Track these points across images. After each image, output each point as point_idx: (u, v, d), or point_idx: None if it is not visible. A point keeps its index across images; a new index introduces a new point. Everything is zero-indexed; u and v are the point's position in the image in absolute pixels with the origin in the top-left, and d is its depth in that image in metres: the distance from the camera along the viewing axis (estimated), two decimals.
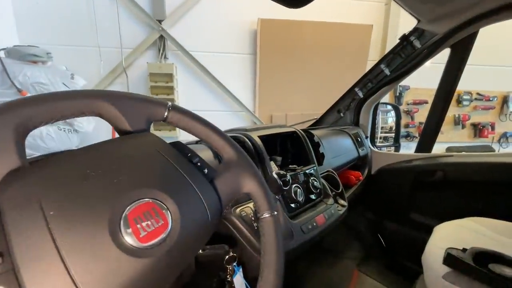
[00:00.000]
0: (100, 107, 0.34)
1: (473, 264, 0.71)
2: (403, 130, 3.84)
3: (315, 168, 0.90)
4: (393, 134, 2.05)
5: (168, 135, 3.19)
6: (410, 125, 3.86)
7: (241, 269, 0.64)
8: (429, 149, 1.46)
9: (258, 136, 0.77)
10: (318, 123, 1.58)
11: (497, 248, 0.78)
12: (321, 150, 1.02)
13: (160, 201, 0.31)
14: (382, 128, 2.63)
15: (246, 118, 3.59)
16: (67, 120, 2.50)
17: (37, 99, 0.29)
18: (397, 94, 3.73)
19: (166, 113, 0.38)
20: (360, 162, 1.40)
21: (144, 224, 0.29)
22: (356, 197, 1.28)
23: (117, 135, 0.37)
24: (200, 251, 0.59)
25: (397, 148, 1.81)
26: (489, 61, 3.70)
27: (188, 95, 3.43)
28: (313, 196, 0.84)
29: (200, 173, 0.37)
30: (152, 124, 0.40)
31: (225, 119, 3.54)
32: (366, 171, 1.42)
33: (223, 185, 0.39)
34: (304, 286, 1.29)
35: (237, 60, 3.48)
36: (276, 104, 3.44)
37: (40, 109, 0.29)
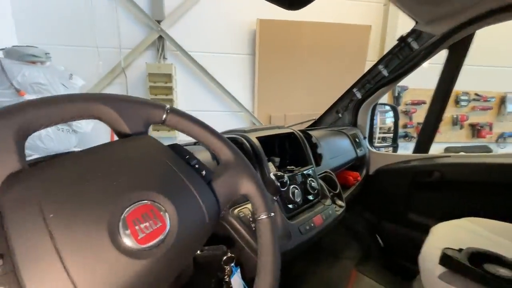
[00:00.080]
0: (100, 110, 0.34)
1: (468, 264, 0.72)
2: (401, 130, 3.86)
3: (313, 169, 0.90)
4: (391, 134, 2.06)
5: (167, 135, 3.19)
6: (409, 126, 3.88)
7: (239, 270, 0.64)
8: (427, 150, 1.46)
9: (256, 137, 0.77)
10: (316, 124, 1.59)
11: (493, 248, 0.79)
12: (319, 151, 1.02)
13: (159, 203, 0.31)
14: (380, 128, 2.65)
15: (245, 118, 3.60)
16: None
17: (37, 103, 0.30)
18: (396, 94, 3.74)
19: (164, 116, 0.39)
20: (358, 163, 1.41)
21: (142, 225, 0.29)
22: (354, 198, 1.29)
23: (115, 137, 0.38)
24: (198, 251, 0.60)
25: (395, 149, 1.82)
26: (487, 62, 3.71)
27: (187, 95, 3.44)
28: (310, 197, 0.85)
29: (198, 175, 0.38)
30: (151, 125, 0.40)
31: (224, 120, 3.55)
32: (364, 172, 1.43)
33: (221, 187, 0.40)
34: (302, 285, 1.30)
35: (236, 60, 3.48)
36: (275, 105, 3.45)
37: (40, 113, 0.30)
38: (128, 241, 0.28)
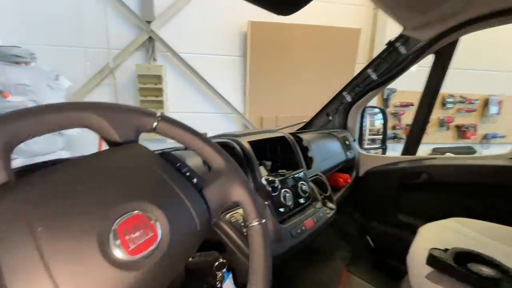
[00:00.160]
0: (89, 119, 0.34)
1: (453, 264, 0.74)
2: (390, 132, 3.94)
3: (304, 172, 0.91)
4: (381, 136, 2.10)
5: (160, 137, 3.15)
6: (397, 127, 3.96)
7: (231, 275, 0.64)
8: (415, 151, 1.50)
9: (248, 142, 0.78)
10: (307, 126, 1.60)
11: (477, 248, 0.82)
12: (310, 154, 1.03)
13: (149, 213, 0.31)
14: (370, 130, 2.70)
15: (236, 120, 3.60)
16: None
17: (23, 113, 0.29)
18: (385, 96, 3.82)
19: (155, 124, 0.39)
20: (348, 165, 1.43)
21: (133, 236, 0.29)
22: (345, 199, 1.30)
23: (104, 144, 0.37)
24: (190, 258, 0.59)
25: (384, 151, 1.85)
26: (471, 65, 3.84)
27: (178, 97, 3.41)
28: (302, 200, 0.85)
29: (189, 183, 0.38)
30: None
31: (215, 121, 3.54)
32: (354, 174, 1.45)
33: (212, 194, 0.40)
34: (294, 287, 1.31)
35: (227, 62, 3.48)
36: (267, 106, 3.46)
37: (27, 124, 0.29)
38: (119, 253, 0.27)
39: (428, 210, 1.30)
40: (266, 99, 3.45)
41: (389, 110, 3.89)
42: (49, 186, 0.28)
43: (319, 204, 0.90)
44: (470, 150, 4.13)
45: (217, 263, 0.62)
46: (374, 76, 1.34)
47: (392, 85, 1.38)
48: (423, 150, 3.94)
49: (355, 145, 1.53)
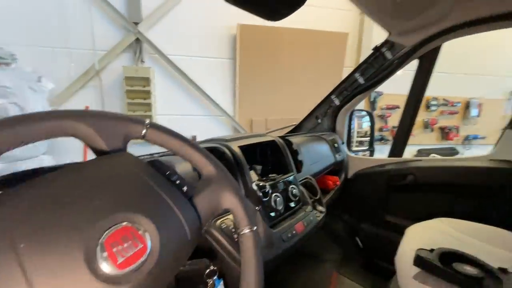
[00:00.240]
0: (74, 127, 0.33)
1: (439, 264, 0.76)
2: (377, 134, 4.03)
3: (294, 176, 0.92)
4: (368, 138, 2.14)
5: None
6: (384, 129, 4.06)
7: (222, 282, 0.63)
8: (401, 152, 1.54)
9: (238, 146, 0.77)
10: (297, 129, 1.62)
11: (461, 247, 0.85)
12: (299, 157, 1.04)
13: (138, 224, 0.30)
14: (358, 132, 2.76)
15: (226, 122, 3.58)
16: None
17: (3, 123, 0.28)
18: (372, 99, 3.91)
19: (144, 131, 0.38)
20: (337, 167, 1.45)
21: (121, 249, 0.28)
22: (334, 202, 1.32)
23: (89, 151, 0.36)
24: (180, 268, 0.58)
25: (372, 153, 1.89)
26: (453, 70, 3.99)
27: (166, 99, 3.37)
28: (292, 204, 0.86)
29: (178, 192, 0.37)
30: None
31: (205, 124, 3.51)
32: (343, 176, 1.47)
33: (203, 202, 0.39)
34: None
35: (216, 64, 3.47)
36: (256, 109, 3.47)
37: (8, 134, 0.28)
38: (106, 267, 0.27)
39: (415, 210, 1.34)
40: (256, 102, 3.46)
41: (376, 112, 3.98)
42: (36, 199, 0.27)
43: (309, 208, 0.91)
44: (453, 151, 4.27)
45: (208, 271, 0.61)
46: (361, 80, 1.37)
47: (379, 88, 1.41)
48: (409, 151, 4.05)
49: (344, 147, 1.55)
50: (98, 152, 0.35)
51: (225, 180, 0.43)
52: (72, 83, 3.05)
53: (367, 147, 1.97)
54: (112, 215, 0.29)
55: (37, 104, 2.41)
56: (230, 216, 0.66)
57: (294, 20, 3.21)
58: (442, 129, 4.26)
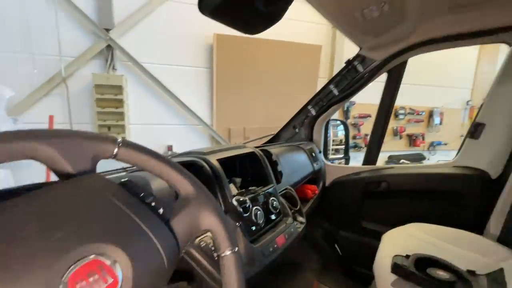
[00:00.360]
0: (34, 149, 0.29)
1: (414, 271, 0.79)
2: (351, 141, 4.18)
3: (274, 187, 0.91)
4: (343, 146, 2.21)
5: None
6: (357, 137, 4.23)
7: None
8: (375, 160, 1.61)
9: (217, 160, 0.75)
10: (275, 139, 1.63)
11: (434, 252, 0.88)
12: (279, 168, 1.04)
13: (107, 256, 0.27)
14: (333, 141, 2.85)
15: (203, 132, 3.52)
16: None
17: None
18: (345, 109, 4.07)
19: (115, 150, 0.35)
20: (316, 176, 1.47)
21: (88, 287, 0.25)
22: (313, 210, 1.33)
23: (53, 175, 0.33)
24: None
25: (347, 160, 1.95)
26: (418, 81, 4.30)
27: (140, 108, 3.24)
28: (273, 216, 0.85)
29: (154, 215, 0.35)
30: None
31: (182, 133, 3.42)
32: (321, 184, 1.50)
33: (181, 225, 0.37)
34: None
35: (192, 73, 3.42)
36: (234, 118, 3.46)
37: None
38: None
39: (390, 216, 1.39)
40: (233, 111, 3.44)
41: (350, 121, 4.14)
42: None
43: (290, 220, 0.90)
44: (420, 157, 4.56)
45: None
46: (335, 92, 1.41)
47: (352, 98, 1.47)
48: (381, 157, 4.24)
49: (321, 156, 1.58)
50: (63, 176, 0.32)
51: (203, 199, 0.41)
52: (34, 91, 2.84)
53: (342, 155, 2.03)
54: (76, 248, 0.26)
55: None
56: (209, 233, 0.63)
57: (270, 32, 3.26)
58: (409, 136, 4.53)
